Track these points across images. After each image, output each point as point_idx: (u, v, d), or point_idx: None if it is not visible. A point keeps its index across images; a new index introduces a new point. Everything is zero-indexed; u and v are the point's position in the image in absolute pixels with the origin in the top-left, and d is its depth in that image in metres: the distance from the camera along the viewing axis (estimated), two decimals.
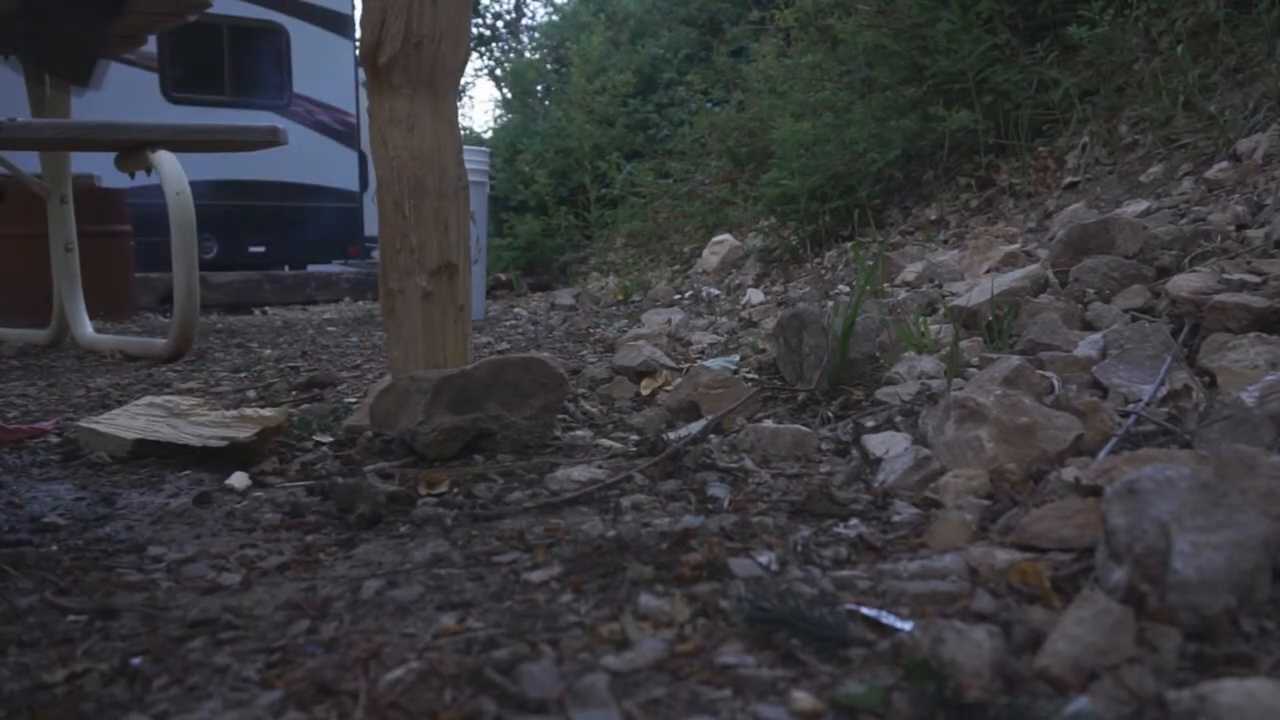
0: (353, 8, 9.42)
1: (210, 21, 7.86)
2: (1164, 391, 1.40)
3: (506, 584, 0.97)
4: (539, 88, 10.42)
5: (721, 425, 1.60)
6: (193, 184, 3.00)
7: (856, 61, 4.75)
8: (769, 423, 1.53)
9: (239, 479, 1.43)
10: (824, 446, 1.46)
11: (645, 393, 1.96)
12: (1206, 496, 0.82)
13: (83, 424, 1.70)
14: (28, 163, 3.56)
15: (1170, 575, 0.78)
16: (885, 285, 2.78)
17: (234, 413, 1.65)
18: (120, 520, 1.28)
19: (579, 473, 1.33)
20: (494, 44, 18.39)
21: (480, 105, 34.33)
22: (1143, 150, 3.39)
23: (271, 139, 3.33)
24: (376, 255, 9.73)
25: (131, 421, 1.68)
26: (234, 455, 1.52)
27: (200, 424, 1.62)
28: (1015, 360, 1.48)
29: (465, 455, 1.48)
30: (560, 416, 1.71)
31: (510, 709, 0.72)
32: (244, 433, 1.54)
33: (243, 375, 2.58)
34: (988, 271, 2.59)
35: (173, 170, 2.98)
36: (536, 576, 0.98)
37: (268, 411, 1.60)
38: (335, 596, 0.96)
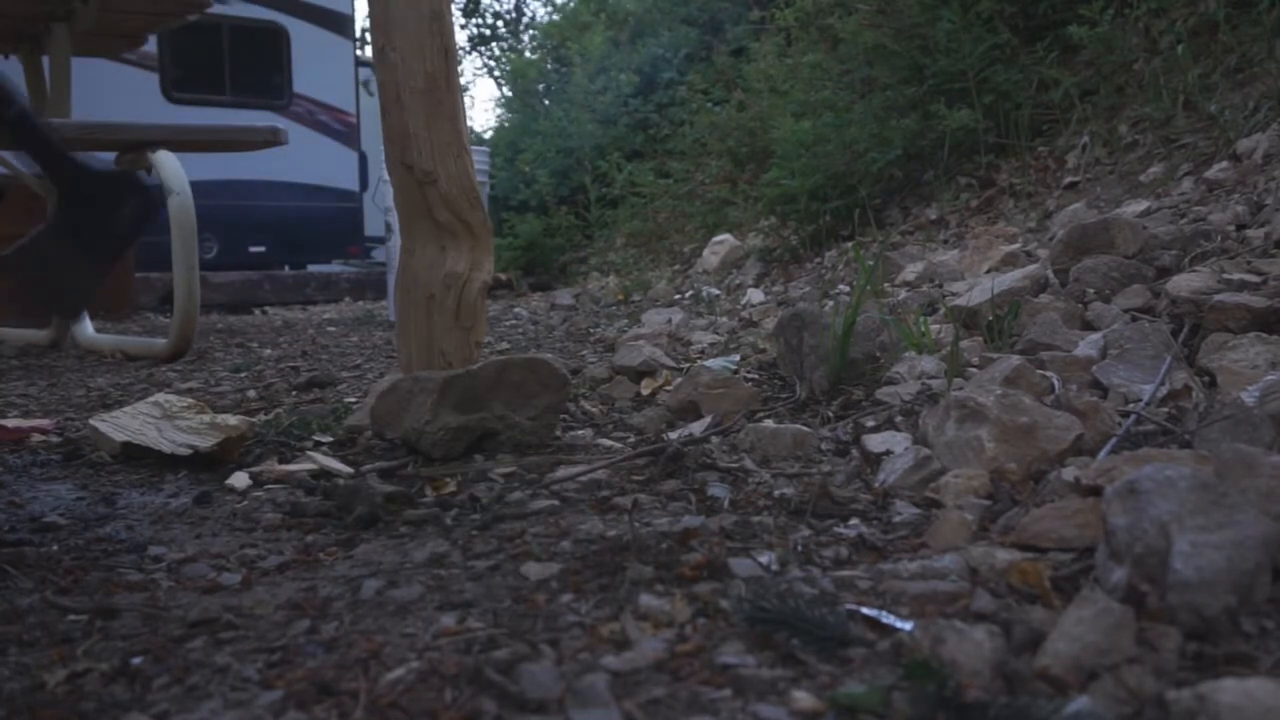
0: (353, 8, 9.41)
1: (210, 21, 7.86)
2: (1164, 391, 1.40)
3: (506, 584, 0.97)
4: (539, 87, 10.41)
5: (721, 425, 1.60)
6: (193, 184, 2.99)
7: (857, 61, 4.74)
8: (769, 423, 1.53)
9: (239, 479, 1.43)
10: (824, 446, 1.45)
11: (645, 393, 1.96)
12: (1206, 496, 0.82)
13: (91, 421, 1.71)
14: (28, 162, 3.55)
15: (1170, 575, 0.78)
16: (885, 285, 2.78)
17: (207, 418, 1.66)
18: (121, 520, 1.28)
19: (579, 473, 1.33)
20: (494, 44, 18.40)
21: (480, 105, 34.36)
22: (1143, 150, 3.39)
23: (271, 139, 3.33)
24: (376, 255, 9.71)
25: (130, 421, 1.68)
26: (200, 463, 1.53)
27: (182, 428, 1.63)
28: (1015, 360, 1.48)
29: (466, 455, 1.48)
30: (561, 416, 1.71)
31: (510, 709, 0.72)
32: (206, 442, 1.55)
33: (243, 375, 2.58)
34: (988, 271, 2.59)
35: (173, 170, 2.98)
36: (536, 577, 0.98)
37: (233, 420, 1.62)
38: (335, 596, 0.97)
